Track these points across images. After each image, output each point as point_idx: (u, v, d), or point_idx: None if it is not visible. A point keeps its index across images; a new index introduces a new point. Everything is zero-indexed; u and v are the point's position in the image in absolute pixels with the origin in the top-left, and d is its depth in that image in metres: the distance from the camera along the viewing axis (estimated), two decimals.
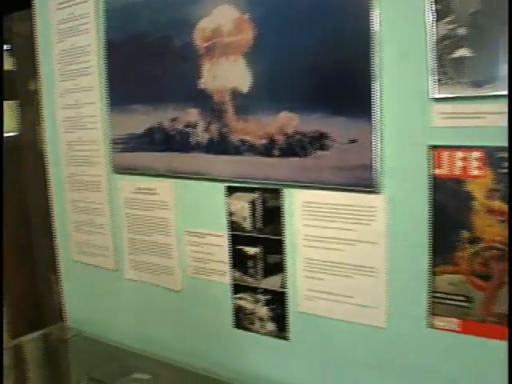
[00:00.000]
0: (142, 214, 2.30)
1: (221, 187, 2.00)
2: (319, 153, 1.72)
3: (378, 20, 1.57)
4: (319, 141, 1.72)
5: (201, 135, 2.00)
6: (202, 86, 1.96)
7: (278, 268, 1.92)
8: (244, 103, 1.87)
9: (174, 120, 2.07)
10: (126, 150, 2.27)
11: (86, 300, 2.73)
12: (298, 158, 1.77)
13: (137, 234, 2.34)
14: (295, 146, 1.77)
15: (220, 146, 1.95)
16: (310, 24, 1.69)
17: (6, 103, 3.81)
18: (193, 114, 2.00)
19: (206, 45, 1.93)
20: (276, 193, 1.87)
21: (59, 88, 2.52)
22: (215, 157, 1.97)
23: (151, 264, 2.32)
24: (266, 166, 1.85)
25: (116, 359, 2.48)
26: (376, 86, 1.59)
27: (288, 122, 1.77)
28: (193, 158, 2.04)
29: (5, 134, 3.81)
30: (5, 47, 3.74)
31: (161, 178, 2.19)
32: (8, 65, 3.73)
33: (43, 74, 2.63)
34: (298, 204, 1.83)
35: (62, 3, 2.42)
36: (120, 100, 2.25)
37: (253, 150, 1.87)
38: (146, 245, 2.32)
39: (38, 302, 3.82)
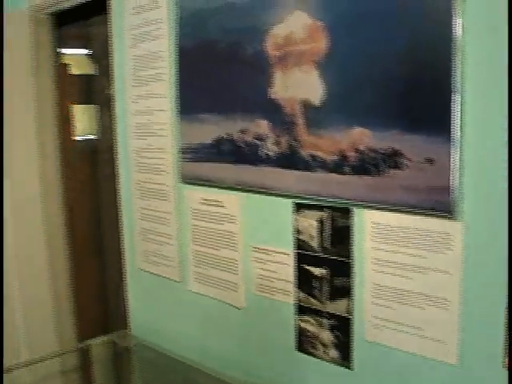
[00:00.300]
0: (208, 226, 2.23)
1: (289, 203, 1.91)
2: (392, 172, 1.60)
3: (460, 28, 1.43)
4: (393, 159, 1.60)
5: (270, 148, 1.90)
6: (273, 97, 1.87)
7: (344, 292, 1.81)
8: (315, 116, 1.76)
9: (243, 131, 1.98)
10: (194, 160, 2.20)
11: (149, 309, 2.68)
12: (369, 177, 1.66)
13: (203, 246, 2.27)
14: (367, 164, 1.65)
15: (289, 160, 1.86)
16: (385, 33, 1.57)
17: (86, 107, 3.83)
18: (263, 126, 1.91)
19: (277, 53, 1.84)
20: (345, 212, 1.76)
21: (132, 93, 2.48)
22: (284, 171, 1.88)
23: (216, 278, 2.24)
24: (336, 183, 1.74)
25: (175, 372, 2.43)
26: (457, 100, 1.45)
27: (360, 137, 1.65)
28: (261, 172, 1.95)
29: (85, 137, 3.83)
30: (85, 51, 3.76)
31: (228, 191, 2.11)
32: (89, 69, 3.74)
33: (117, 79, 2.60)
34: (368, 225, 1.71)
35: (135, 8, 2.38)
36: (190, 108, 2.19)
37: (323, 166, 1.76)
38: (211, 258, 2.25)
39: (107, 307, 3.81)
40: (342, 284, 1.81)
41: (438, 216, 1.54)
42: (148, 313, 2.69)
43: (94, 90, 3.75)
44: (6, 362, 2.69)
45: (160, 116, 2.34)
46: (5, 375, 2.50)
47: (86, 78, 3.79)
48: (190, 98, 2.19)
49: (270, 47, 1.86)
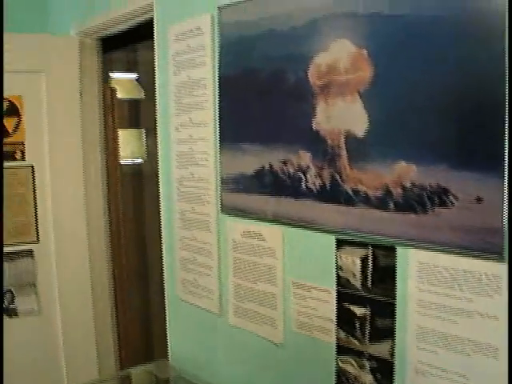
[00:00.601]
0: (248, 259, 2.16)
1: (331, 239, 1.83)
2: (439, 210, 1.51)
3: None
4: (440, 196, 1.51)
5: (312, 181, 1.83)
6: (316, 127, 1.80)
7: (386, 333, 1.71)
8: (359, 149, 1.69)
9: (284, 162, 1.92)
10: (236, 191, 2.14)
11: (188, 340, 2.63)
12: (415, 214, 1.57)
13: (242, 279, 2.20)
14: (412, 201, 1.56)
15: (332, 194, 1.78)
16: (432, 61, 1.49)
17: (133, 131, 3.84)
18: (304, 158, 1.85)
19: (320, 82, 1.77)
20: (389, 250, 1.67)
21: (174, 121, 2.45)
22: (326, 205, 1.81)
23: (255, 313, 2.17)
24: (380, 219, 1.66)
25: None
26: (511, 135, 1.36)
27: (406, 172, 1.57)
28: (302, 205, 1.88)
29: (133, 161, 3.83)
30: (133, 76, 3.77)
31: (269, 223, 2.04)
32: (136, 94, 3.74)
33: (160, 106, 2.57)
34: (413, 265, 1.62)
35: (179, 35, 2.35)
36: (231, 137, 2.14)
37: (366, 201, 1.68)
38: (250, 292, 2.18)
39: (149, 335, 3.77)
40: (384, 325, 1.71)
41: (487, 258, 1.44)
42: (187, 344, 2.64)
43: (142, 114, 3.76)
44: None
45: (202, 145, 2.29)
46: None
47: (133, 103, 3.80)
48: (231, 127, 2.14)
49: (313, 76, 1.79)
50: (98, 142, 3.43)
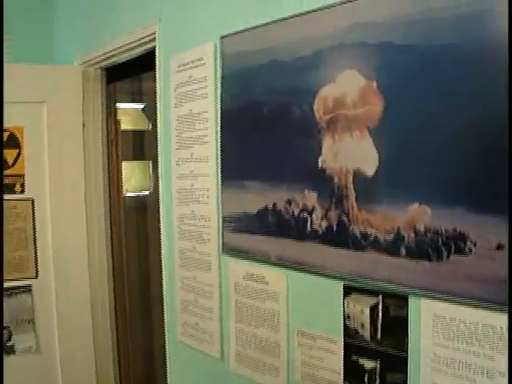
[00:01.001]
0: (251, 303, 2.03)
1: (338, 285, 1.69)
2: (456, 257, 1.38)
3: None
4: (456, 242, 1.38)
5: (318, 222, 1.70)
6: (322, 165, 1.68)
7: None
8: (368, 189, 1.56)
9: (289, 202, 1.79)
10: (238, 230, 2.01)
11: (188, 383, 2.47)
12: (429, 262, 1.44)
13: (245, 324, 2.06)
14: (427, 246, 1.43)
15: (339, 237, 1.65)
16: (448, 94, 1.37)
17: (138, 163, 3.73)
18: (310, 198, 1.72)
19: (327, 117, 1.65)
20: (401, 300, 1.53)
21: (175, 156, 2.33)
22: (333, 249, 1.67)
23: (257, 360, 2.03)
24: (391, 266, 1.52)
25: None
26: None
27: (419, 215, 1.44)
28: (308, 248, 1.75)
29: (139, 194, 3.72)
30: (138, 107, 3.67)
31: (272, 266, 1.91)
32: (141, 125, 3.64)
33: (161, 139, 2.46)
34: (427, 317, 1.48)
35: (181, 65, 2.24)
36: (234, 174, 2.02)
37: (376, 245, 1.55)
38: (252, 338, 2.04)
39: (151, 375, 3.63)
40: (395, 381, 1.58)
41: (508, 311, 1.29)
42: None
43: (148, 145, 3.65)
44: None
45: (203, 181, 2.17)
46: None
47: (138, 134, 3.69)
48: (233, 163, 2.02)
49: (319, 110, 1.67)
50: (101, 175, 3.31)
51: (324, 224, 1.69)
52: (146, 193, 3.90)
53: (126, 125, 3.67)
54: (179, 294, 2.43)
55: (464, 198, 1.35)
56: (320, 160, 1.68)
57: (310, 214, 1.73)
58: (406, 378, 1.54)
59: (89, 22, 3.10)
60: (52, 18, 3.55)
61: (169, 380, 2.62)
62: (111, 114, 3.39)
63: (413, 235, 1.46)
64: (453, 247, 1.38)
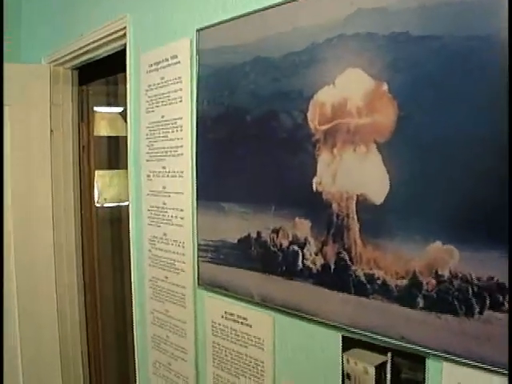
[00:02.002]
0: (231, 347, 1.69)
1: (336, 336, 1.37)
2: (491, 314, 1.06)
3: None
4: (493, 295, 1.04)
5: (311, 258, 1.37)
6: (317, 188, 1.34)
7: None
8: (376, 220, 1.23)
9: (276, 231, 1.46)
10: (216, 261, 1.69)
11: None
12: (454, 317, 1.11)
13: (224, 371, 1.73)
14: (452, 298, 1.10)
15: (337, 278, 1.32)
16: (480, 100, 1.03)
17: (111, 172, 3.41)
18: (302, 227, 1.39)
19: (324, 127, 1.31)
20: (417, 361, 1.20)
21: (146, 169, 1.99)
22: (330, 292, 1.35)
23: None
24: (404, 319, 1.20)
25: None
26: None
27: (443, 257, 1.11)
28: (298, 288, 1.42)
29: (118, 203, 3.41)
30: (117, 110, 3.35)
31: (256, 307, 1.59)
32: (117, 130, 3.31)
33: (131, 149, 2.11)
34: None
35: (152, 65, 1.91)
36: (211, 193, 1.69)
37: (385, 292, 1.22)
38: None
39: None
40: None
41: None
42: None
43: (123, 152, 3.31)
44: None
45: (177, 200, 1.84)
46: None
47: (115, 140, 3.36)
48: (211, 181, 1.69)
49: (314, 119, 1.34)
50: (71, 185, 2.96)
51: (319, 261, 1.36)
52: (126, 203, 3.56)
53: (102, 130, 3.33)
54: (151, 329, 2.10)
55: (503, 238, 1.02)
56: (315, 181, 1.35)
57: (302, 247, 1.40)
58: None
59: (58, 17, 2.76)
60: (19, 13, 3.20)
61: None
62: (83, 119, 3.05)
63: (433, 282, 1.13)
64: (487, 300, 1.05)
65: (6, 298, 2.79)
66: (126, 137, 2.16)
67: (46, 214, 2.87)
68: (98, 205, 3.27)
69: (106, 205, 3.46)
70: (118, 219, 3.41)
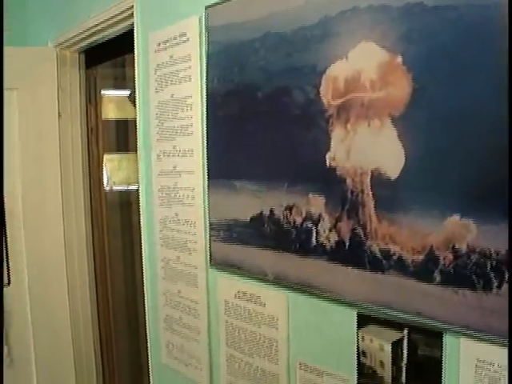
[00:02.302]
0: (244, 326, 1.69)
1: (351, 313, 1.36)
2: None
3: None
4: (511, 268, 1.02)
5: (325, 235, 1.36)
6: (331, 164, 1.33)
7: None
8: (391, 195, 1.21)
9: (289, 208, 1.44)
10: (228, 240, 1.67)
11: None
12: (472, 291, 1.09)
13: (237, 350, 1.73)
14: (469, 272, 1.09)
15: (352, 254, 1.30)
16: (500, 71, 1.01)
17: (129, 154, 3.40)
18: (316, 204, 1.37)
19: (337, 102, 1.29)
20: (434, 337, 1.19)
21: (156, 149, 1.98)
22: (344, 269, 1.33)
23: None
24: (421, 294, 1.18)
25: None
26: None
27: (460, 232, 1.09)
28: (312, 266, 1.40)
29: (128, 187, 3.40)
30: (125, 93, 3.33)
31: (269, 285, 1.57)
32: (126, 113, 3.30)
33: (140, 129, 2.10)
34: (468, 361, 1.14)
35: (161, 43, 1.89)
36: (223, 172, 1.67)
37: (401, 267, 1.20)
38: (247, 367, 1.70)
39: None
40: None
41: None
42: None
43: (131, 136, 3.30)
44: None
45: (188, 179, 1.83)
46: None
47: (124, 123, 3.34)
48: (223, 159, 1.67)
49: (327, 93, 1.32)
50: (81, 169, 2.95)
51: (333, 237, 1.34)
52: (135, 187, 3.55)
53: (110, 113, 3.31)
54: (163, 310, 2.09)
55: None
56: (328, 157, 1.33)
57: (316, 224, 1.38)
58: None
59: None
60: None
61: None
62: (91, 102, 3.03)
63: (451, 257, 1.12)
64: (506, 274, 1.03)
65: (16, 279, 2.78)
66: (135, 120, 2.15)
67: (56, 197, 2.86)
68: (107, 188, 3.26)
69: (115, 188, 3.45)
70: (127, 202, 3.40)
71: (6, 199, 2.76)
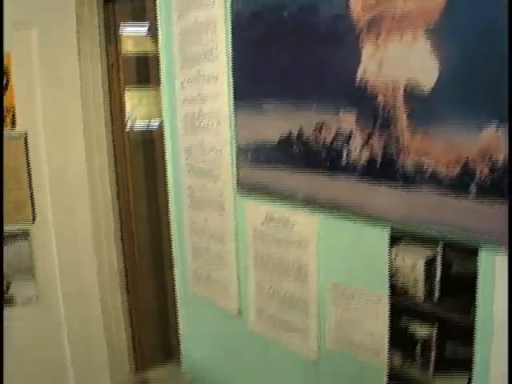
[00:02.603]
0: (273, 251, 1.69)
1: (383, 232, 1.34)
2: None
3: None
4: None
5: (357, 153, 1.34)
6: (362, 79, 1.30)
7: (460, 365, 1.23)
8: (425, 108, 1.18)
9: (319, 127, 1.42)
10: (256, 164, 1.66)
11: (202, 343, 2.19)
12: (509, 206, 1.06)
13: (266, 275, 1.73)
14: (506, 185, 1.05)
15: (385, 171, 1.28)
16: None
17: (149, 89, 3.37)
18: (346, 120, 1.35)
19: (368, 15, 1.25)
20: (469, 253, 1.17)
21: (180, 77, 1.96)
22: (377, 187, 1.31)
23: (281, 319, 1.71)
24: (456, 209, 1.16)
25: None
26: None
27: (496, 143, 1.06)
28: (343, 185, 1.39)
29: (148, 124, 3.38)
30: (144, 27, 3.29)
31: (299, 207, 1.56)
32: (149, 48, 3.25)
33: (163, 58, 2.07)
34: (502, 275, 1.12)
35: None
36: (249, 94, 1.65)
37: (436, 182, 1.18)
38: (276, 292, 1.71)
39: (163, 334, 3.34)
40: (458, 354, 1.23)
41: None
42: (202, 347, 2.19)
43: (154, 70, 3.26)
44: None
45: (213, 104, 1.81)
46: None
47: (144, 58, 3.31)
48: (249, 81, 1.65)
49: (357, 6, 1.28)
50: (102, 105, 2.94)
51: (365, 154, 1.32)
52: (155, 123, 3.54)
53: (129, 48, 3.27)
54: (190, 240, 2.09)
55: None
56: (359, 73, 1.31)
57: (347, 142, 1.36)
58: (473, 351, 1.19)
59: None
60: None
61: (181, 338, 2.32)
62: (110, 37, 2.99)
63: (487, 170, 1.09)
64: None
65: (40, 216, 2.80)
66: (154, 55, 2.12)
67: (78, 133, 2.85)
68: (128, 124, 3.25)
69: (136, 123, 3.44)
70: (149, 139, 3.39)
71: (28, 137, 2.76)
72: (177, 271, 2.23)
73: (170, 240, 2.26)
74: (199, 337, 2.19)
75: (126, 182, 3.13)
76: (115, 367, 3.08)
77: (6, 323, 2.71)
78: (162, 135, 2.18)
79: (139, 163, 3.31)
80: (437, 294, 1.25)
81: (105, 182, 2.99)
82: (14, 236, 2.77)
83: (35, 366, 2.83)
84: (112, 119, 3.00)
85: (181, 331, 2.29)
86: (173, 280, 2.29)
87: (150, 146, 3.37)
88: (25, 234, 2.80)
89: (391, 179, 1.27)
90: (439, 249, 1.22)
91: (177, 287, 2.25)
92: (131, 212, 3.15)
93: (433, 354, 1.28)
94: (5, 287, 2.79)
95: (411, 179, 1.23)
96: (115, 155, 3.03)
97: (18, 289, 2.82)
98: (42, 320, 2.89)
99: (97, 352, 3.01)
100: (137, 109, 3.44)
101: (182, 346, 2.30)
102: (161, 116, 3.16)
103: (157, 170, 3.26)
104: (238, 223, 1.82)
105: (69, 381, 2.95)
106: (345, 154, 1.37)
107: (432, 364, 1.28)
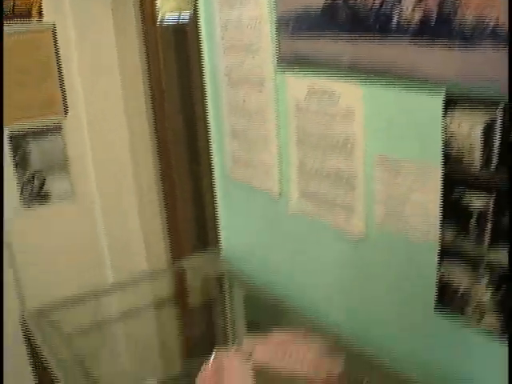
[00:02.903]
0: (316, 126, 1.62)
1: (436, 98, 1.25)
2: None
3: None
4: None
5: (409, 12, 1.23)
6: None
7: None
8: None
9: None
10: (298, 34, 1.57)
11: (241, 229, 2.17)
12: None
13: (309, 153, 1.67)
14: None
15: (439, 30, 1.19)
16: None
17: None
18: None
19: None
20: None
21: None
22: (429, 49, 1.21)
23: (326, 196, 1.66)
24: None
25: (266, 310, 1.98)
26: None
27: None
28: (393, 49, 1.30)
29: (179, 17, 3.28)
30: None
31: (344, 77, 1.48)
32: None
33: None
34: None
35: None
36: None
37: (496, 38, 1.08)
38: (320, 170, 1.66)
39: (201, 222, 3.33)
40: None
41: None
42: (240, 233, 2.19)
43: None
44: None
45: None
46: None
47: None
48: None
49: None
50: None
51: (418, 13, 1.22)
52: (186, 16, 3.43)
53: None
54: (227, 120, 2.03)
55: None
56: None
57: (397, 2, 1.26)
58: None
59: None
60: None
61: (220, 223, 2.31)
62: None
63: None
64: None
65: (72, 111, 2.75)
66: None
67: (107, 23, 2.77)
68: (159, 18, 3.15)
69: (167, 18, 3.34)
70: (182, 31, 3.30)
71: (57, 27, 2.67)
72: (214, 153, 2.18)
73: (206, 123, 2.20)
74: (238, 223, 2.17)
75: (158, 69, 3.04)
76: (152, 255, 3.10)
77: (41, 221, 2.75)
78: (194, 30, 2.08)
79: (172, 54, 3.22)
80: (495, 162, 1.18)
81: (137, 72, 2.92)
82: (46, 130, 2.72)
83: (71, 257, 2.85)
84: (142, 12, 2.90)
85: (219, 218, 2.26)
86: (210, 165, 2.24)
87: (182, 35, 3.27)
88: (57, 128, 2.75)
89: (447, 38, 1.18)
90: (499, 112, 1.14)
91: (214, 169, 2.20)
92: (165, 98, 3.08)
93: (489, 226, 1.22)
94: (39, 183, 2.76)
95: (469, 37, 1.14)
96: (147, 44, 2.94)
97: (52, 185, 2.79)
98: (78, 214, 2.88)
99: (133, 240, 3.02)
100: (165, 2, 3.34)
101: (220, 231, 2.28)
102: (192, 8, 3.05)
103: (189, 53, 3.16)
104: (278, 99, 1.75)
105: (106, 270, 2.98)
106: (396, 15, 1.27)
107: (487, 237, 1.23)
